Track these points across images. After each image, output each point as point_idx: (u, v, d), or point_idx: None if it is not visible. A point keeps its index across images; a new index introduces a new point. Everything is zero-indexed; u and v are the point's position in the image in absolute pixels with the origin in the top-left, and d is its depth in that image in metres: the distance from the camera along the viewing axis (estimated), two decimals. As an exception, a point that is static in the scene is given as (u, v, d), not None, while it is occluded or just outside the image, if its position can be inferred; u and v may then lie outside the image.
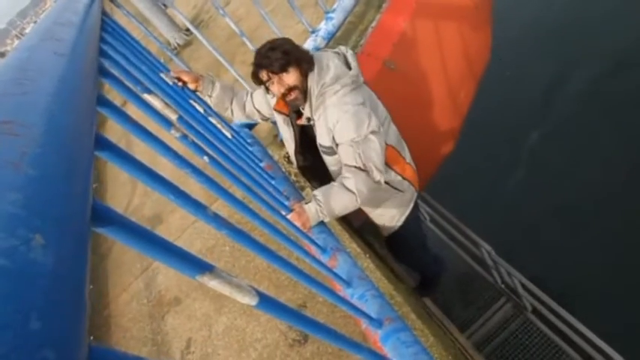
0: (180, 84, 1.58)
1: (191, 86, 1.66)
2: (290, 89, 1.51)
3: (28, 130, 0.29)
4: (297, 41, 2.45)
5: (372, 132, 1.50)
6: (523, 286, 3.36)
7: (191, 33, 5.23)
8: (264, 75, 1.52)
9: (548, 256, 4.54)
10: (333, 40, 2.48)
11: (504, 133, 5.87)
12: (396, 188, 1.83)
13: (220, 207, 1.94)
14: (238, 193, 1.10)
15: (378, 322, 1.08)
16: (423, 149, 1.99)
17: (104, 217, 0.35)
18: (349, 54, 1.63)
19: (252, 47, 2.13)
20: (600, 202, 4.65)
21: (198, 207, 0.61)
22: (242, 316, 1.80)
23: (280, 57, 1.46)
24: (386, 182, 1.65)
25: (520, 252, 4.42)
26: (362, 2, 2.79)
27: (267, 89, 1.58)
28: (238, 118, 1.87)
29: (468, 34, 2.74)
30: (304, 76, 1.52)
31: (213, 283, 0.47)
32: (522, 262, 3.70)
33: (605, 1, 6.52)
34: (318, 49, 2.32)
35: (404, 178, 1.84)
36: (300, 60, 1.50)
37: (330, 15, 2.39)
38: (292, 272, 0.78)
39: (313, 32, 2.36)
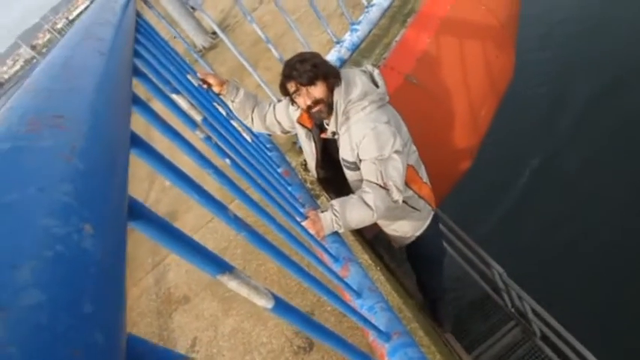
0: (205, 86, 1.61)
1: (215, 89, 1.69)
2: (316, 102, 1.53)
3: (76, 125, 0.31)
4: (321, 51, 2.50)
5: (396, 151, 1.52)
6: (533, 311, 3.29)
7: (217, 36, 5.33)
8: (292, 86, 1.54)
9: (558, 280, 4.45)
10: (356, 51, 2.51)
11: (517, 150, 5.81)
12: (412, 207, 1.85)
13: (235, 209, 1.96)
14: (255, 196, 1.12)
15: (386, 336, 1.08)
16: (440, 165, 1.98)
17: (137, 212, 0.37)
18: (376, 73, 1.65)
19: (276, 54, 2.16)
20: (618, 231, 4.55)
21: (220, 208, 0.62)
22: (249, 319, 1.81)
23: (309, 69, 1.49)
24: (403, 201, 1.66)
25: (530, 276, 4.34)
26: (387, 16, 2.81)
27: (293, 101, 1.60)
28: (258, 127, 1.89)
29: (492, 52, 2.74)
30: (330, 90, 1.54)
31: (232, 284, 0.48)
32: (532, 286, 3.64)
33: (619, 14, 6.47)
34: (342, 59, 2.35)
35: (420, 197, 1.86)
36: (328, 74, 1.53)
37: (356, 27, 2.42)
38: (305, 278, 0.79)
39: (338, 43, 2.39)
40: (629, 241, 4.42)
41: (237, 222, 0.65)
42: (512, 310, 3.80)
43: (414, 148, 1.80)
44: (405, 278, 2.91)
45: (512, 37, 3.02)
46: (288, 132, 1.92)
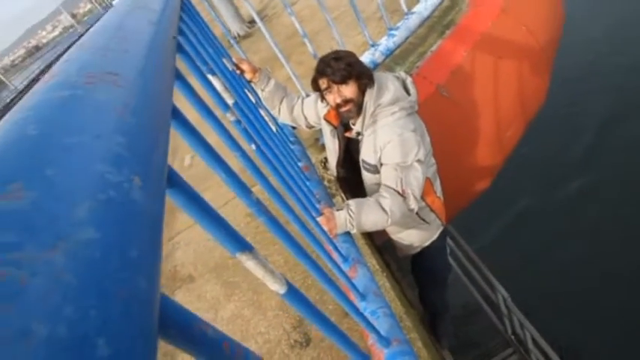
0: (238, 71, 1.63)
1: (248, 76, 1.71)
2: (346, 101, 1.53)
3: (129, 84, 0.32)
4: (355, 52, 2.49)
5: (418, 161, 1.52)
6: (534, 341, 3.24)
7: (253, 26, 5.37)
8: (324, 82, 1.55)
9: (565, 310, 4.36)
10: (390, 57, 2.50)
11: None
12: (422, 218, 1.83)
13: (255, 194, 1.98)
14: (274, 185, 1.13)
15: (386, 341, 1.08)
16: (458, 181, 1.97)
17: (174, 179, 0.37)
18: (409, 80, 1.65)
19: (311, 49, 2.17)
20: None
21: (244, 189, 0.63)
22: (250, 307, 1.82)
23: (343, 68, 1.49)
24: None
25: (534, 303, 4.27)
26: (426, 25, 2.80)
27: (323, 97, 1.60)
28: (284, 118, 1.91)
29: (527, 74, 2.70)
30: (362, 91, 1.54)
31: (249, 263, 0.48)
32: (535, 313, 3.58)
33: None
34: (375, 63, 2.34)
35: (432, 210, 1.84)
36: (361, 75, 1.53)
37: (393, 32, 2.41)
38: (316, 271, 0.79)
39: (373, 46, 2.38)
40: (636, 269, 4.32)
41: (259, 206, 0.65)
42: (512, 337, 3.74)
43: (433, 161, 1.79)
44: (408, 289, 2.89)
45: (549, 61, 2.98)
46: (312, 127, 1.93)
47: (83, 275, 0.15)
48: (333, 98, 1.54)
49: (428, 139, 1.69)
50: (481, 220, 5.16)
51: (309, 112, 1.86)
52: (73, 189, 0.19)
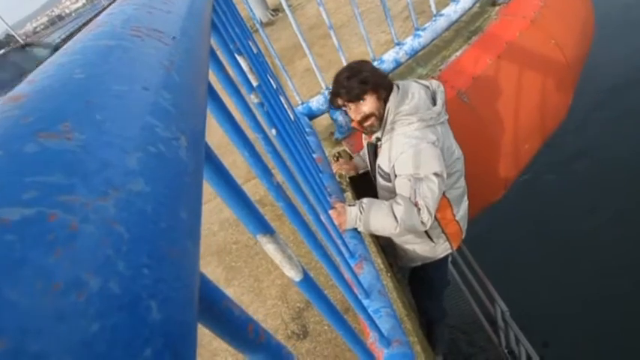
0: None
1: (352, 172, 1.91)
2: (366, 117, 1.52)
3: (174, 42, 0.30)
4: (376, 50, 2.47)
5: (435, 174, 1.45)
6: (529, 358, 3.21)
7: (276, 14, 5.34)
8: (340, 101, 1.54)
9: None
10: (414, 57, 2.47)
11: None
12: (430, 237, 1.76)
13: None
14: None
15: (386, 341, 1.07)
16: (469, 189, 1.93)
17: (206, 150, 0.36)
18: (439, 90, 1.59)
19: (335, 40, 2.15)
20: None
21: (266, 172, 0.61)
22: (249, 293, 1.81)
23: (356, 86, 1.47)
24: None
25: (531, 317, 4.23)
26: (453, 29, 2.76)
27: (346, 112, 1.60)
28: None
29: (550, 89, 2.65)
30: (382, 100, 1.51)
31: (269, 247, 0.47)
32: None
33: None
34: (398, 61, 2.31)
35: (443, 232, 1.77)
36: (378, 86, 1.50)
37: (419, 32, 2.38)
38: (327, 262, 0.78)
39: (398, 44, 2.35)
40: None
41: (279, 190, 0.64)
42: (506, 351, 3.71)
43: (461, 184, 1.72)
44: (407, 293, 2.87)
45: (575, 77, 2.92)
46: None
47: (135, 229, 0.14)
48: (354, 115, 1.54)
49: (456, 155, 1.63)
50: (486, 229, 5.12)
51: None
52: (124, 137, 0.17)
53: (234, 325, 0.28)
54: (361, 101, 1.49)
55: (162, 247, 0.14)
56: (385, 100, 1.52)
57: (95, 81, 0.20)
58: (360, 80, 1.47)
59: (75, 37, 0.27)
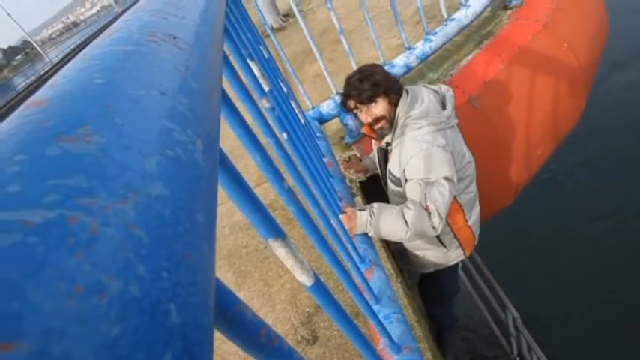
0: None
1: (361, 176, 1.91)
2: (377, 119, 1.52)
3: (189, 49, 0.30)
4: (387, 55, 2.47)
5: (445, 178, 1.44)
6: (541, 365, 3.15)
7: (287, 20, 5.38)
8: (352, 103, 1.54)
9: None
10: (425, 62, 2.46)
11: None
12: (442, 243, 1.75)
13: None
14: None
15: (397, 347, 1.06)
16: (480, 195, 1.91)
17: (220, 156, 0.36)
18: (449, 94, 1.59)
19: (346, 45, 2.15)
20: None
21: (277, 176, 0.62)
22: (259, 297, 1.81)
23: (368, 89, 1.47)
24: None
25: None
26: (464, 33, 2.75)
27: (356, 115, 1.60)
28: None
29: (563, 93, 2.62)
30: (393, 104, 1.51)
31: (280, 251, 0.47)
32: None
33: None
34: (409, 66, 2.31)
35: (455, 238, 1.76)
36: (389, 90, 1.50)
37: (430, 37, 2.37)
38: (337, 267, 0.77)
39: (409, 49, 2.35)
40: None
41: (290, 195, 0.64)
42: (518, 359, 3.65)
43: (473, 188, 1.71)
44: (417, 299, 2.85)
45: (588, 82, 2.89)
46: None
47: (154, 232, 0.14)
48: (365, 118, 1.54)
49: (467, 159, 1.63)
50: (494, 233, 5.06)
51: None
52: (142, 140, 0.17)
53: (246, 329, 0.28)
54: (373, 104, 1.50)
55: (181, 251, 0.15)
56: (396, 105, 1.52)
57: (114, 86, 0.20)
58: (373, 83, 1.47)
59: (93, 43, 0.27)
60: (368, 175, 1.95)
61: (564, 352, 4.10)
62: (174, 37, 0.30)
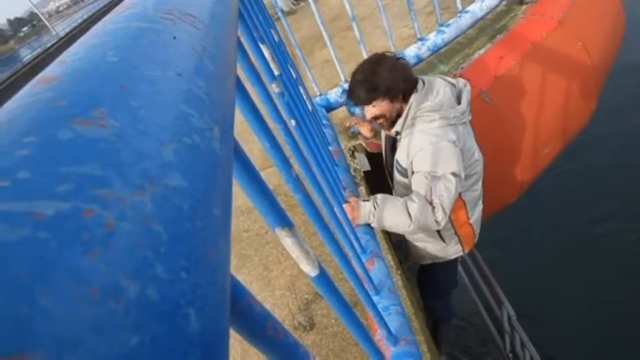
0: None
1: (370, 134, 1.85)
2: (375, 117, 1.52)
3: (206, 28, 0.29)
4: (398, 45, 2.43)
5: (453, 173, 1.42)
6: (533, 363, 3.18)
7: (298, 4, 5.30)
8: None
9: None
10: (436, 54, 2.43)
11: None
12: (442, 238, 1.74)
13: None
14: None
15: (394, 339, 1.06)
16: (485, 190, 1.90)
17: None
18: (466, 89, 1.55)
19: (357, 32, 2.12)
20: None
21: (285, 164, 0.60)
22: (258, 281, 1.82)
23: (364, 94, 1.46)
24: None
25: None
26: (477, 27, 2.70)
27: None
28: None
29: (574, 92, 2.59)
30: (397, 101, 1.49)
31: (287, 240, 0.46)
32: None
33: None
34: (420, 57, 2.28)
35: (456, 234, 1.75)
36: (390, 90, 1.46)
37: (443, 29, 2.33)
38: (340, 257, 0.77)
39: (420, 40, 2.31)
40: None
41: (297, 183, 0.63)
42: (510, 355, 3.68)
43: (478, 187, 1.70)
44: (415, 292, 2.86)
45: (600, 82, 2.84)
46: None
47: (172, 228, 0.13)
48: (366, 114, 1.55)
49: (476, 157, 1.60)
50: (495, 229, 5.06)
51: None
52: (159, 126, 0.16)
53: (254, 322, 0.27)
54: (369, 106, 1.50)
55: (199, 248, 0.14)
56: (404, 97, 1.49)
57: (128, 64, 0.19)
58: (369, 88, 1.45)
59: (105, 19, 0.26)
60: (376, 151, 1.94)
61: (558, 351, 4.13)
62: (192, 16, 0.28)
